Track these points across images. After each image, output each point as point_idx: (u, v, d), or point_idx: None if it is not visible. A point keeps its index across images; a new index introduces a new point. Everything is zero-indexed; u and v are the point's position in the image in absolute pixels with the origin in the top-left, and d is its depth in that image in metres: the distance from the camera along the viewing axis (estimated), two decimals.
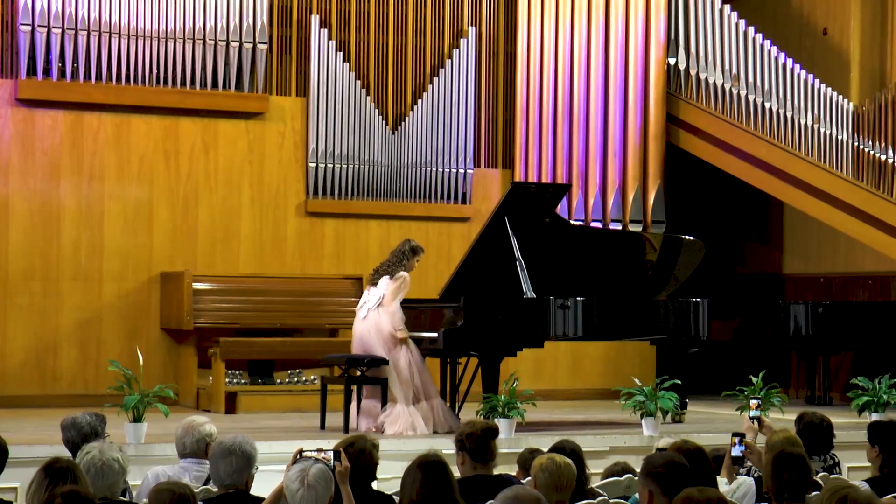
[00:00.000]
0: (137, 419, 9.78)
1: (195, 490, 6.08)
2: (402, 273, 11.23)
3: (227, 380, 13.12)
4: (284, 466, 5.47)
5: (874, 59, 16.02)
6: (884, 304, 15.48)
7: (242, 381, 13.31)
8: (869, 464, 7.18)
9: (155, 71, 14.03)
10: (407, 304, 11.63)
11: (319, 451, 5.49)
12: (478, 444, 6.47)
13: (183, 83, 14.11)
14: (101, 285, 13.85)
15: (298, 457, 5.48)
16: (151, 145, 14.12)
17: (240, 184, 14.45)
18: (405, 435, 10.78)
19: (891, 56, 15.89)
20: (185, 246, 14.15)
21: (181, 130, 14.24)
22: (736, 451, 7.23)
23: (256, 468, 5.93)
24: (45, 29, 13.54)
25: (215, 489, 6.02)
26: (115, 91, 13.85)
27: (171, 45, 14.05)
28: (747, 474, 7.24)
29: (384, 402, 11.07)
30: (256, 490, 5.93)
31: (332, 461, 5.44)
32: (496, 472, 6.61)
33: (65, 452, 6.89)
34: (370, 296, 11.32)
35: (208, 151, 14.33)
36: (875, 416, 11.40)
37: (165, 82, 14.07)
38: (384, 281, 11.25)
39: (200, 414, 8.07)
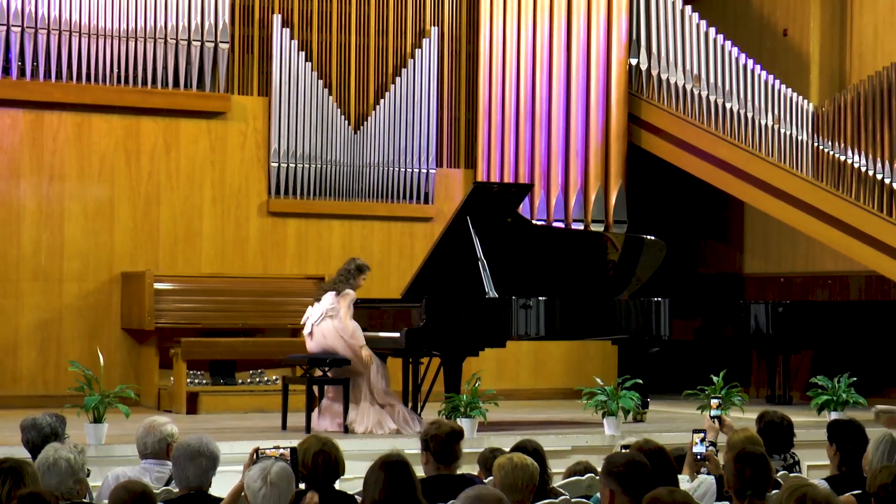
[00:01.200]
0: (98, 420, 9.74)
1: (156, 491, 6.07)
2: (349, 291, 11.25)
3: (188, 380, 13.08)
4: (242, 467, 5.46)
5: (834, 60, 16.11)
6: (843, 303, 15.57)
7: (204, 381, 13.28)
8: (828, 462, 7.22)
9: (116, 70, 13.97)
10: (369, 304, 11.64)
11: (276, 448, 5.48)
12: (442, 446, 6.48)
13: (144, 82, 14.05)
14: (61, 285, 13.78)
15: (255, 456, 5.47)
16: (112, 145, 14.06)
17: (201, 183, 14.40)
18: (374, 433, 10.79)
19: (850, 57, 15.99)
20: (147, 246, 14.09)
21: (142, 130, 14.18)
22: (698, 449, 7.27)
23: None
24: (5, 27, 13.47)
25: (176, 490, 6.01)
26: (75, 90, 13.78)
27: (132, 44, 13.99)
28: (708, 473, 7.27)
29: (346, 403, 11.06)
30: (215, 490, 5.92)
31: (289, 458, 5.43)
32: (459, 472, 6.61)
33: (24, 454, 6.85)
34: (313, 311, 11.33)
35: (170, 151, 14.28)
36: (834, 415, 11.47)
37: (127, 81, 14.01)
38: (329, 296, 11.26)
39: (162, 414, 8.04)
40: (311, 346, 11.33)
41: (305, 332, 11.38)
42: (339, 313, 11.20)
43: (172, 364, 13.12)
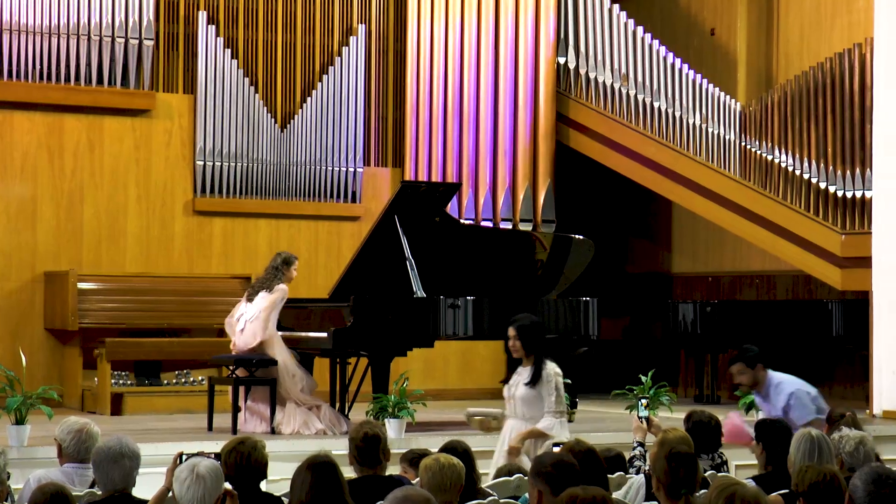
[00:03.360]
0: (20, 422, 9.64)
1: (80, 494, 6.01)
2: (282, 286, 11.22)
3: (112, 381, 13.00)
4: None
5: (761, 60, 16.25)
6: (770, 302, 15.71)
7: (129, 382, 13.20)
8: (755, 462, 7.28)
9: (38, 67, 13.83)
10: (296, 304, 11.60)
11: (200, 454, 5.45)
12: (361, 453, 6.48)
13: (67, 79, 13.93)
14: None
15: (179, 461, 5.44)
16: (35, 142, 13.92)
17: (126, 182, 14.30)
18: (301, 433, 10.76)
19: (777, 57, 16.14)
20: (70, 245, 13.97)
21: (66, 127, 14.06)
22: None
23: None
24: None
25: (100, 492, 5.96)
26: None
27: (55, 40, 13.86)
28: (637, 473, 7.31)
29: (273, 403, 11.02)
30: (139, 492, 5.88)
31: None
32: (388, 472, 6.61)
33: None
34: (248, 307, 11.28)
35: (94, 149, 14.16)
36: (761, 415, 11.55)
37: (49, 78, 13.88)
38: (261, 296, 11.22)
39: (85, 416, 7.97)
40: (239, 342, 11.23)
41: (238, 328, 11.26)
42: (265, 306, 11.11)
43: (96, 364, 13.02)
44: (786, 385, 9.28)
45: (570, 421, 12.08)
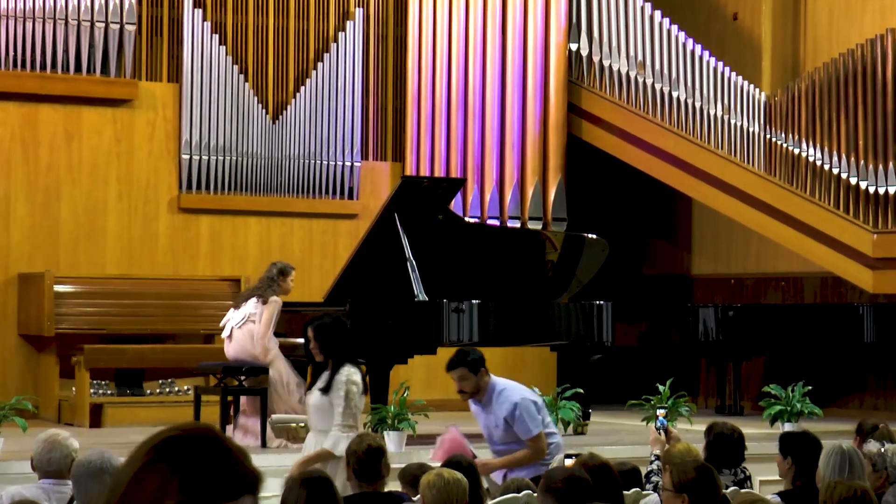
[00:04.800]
0: None
1: None
2: (276, 298, 11.27)
3: (91, 391, 13.01)
4: None
5: (787, 47, 16.25)
6: (797, 306, 15.70)
7: (109, 391, 13.21)
8: (781, 477, 7.28)
9: (12, 53, 13.84)
10: (289, 308, 11.61)
11: None
12: (362, 464, 6.48)
13: (43, 67, 13.94)
14: None
15: None
16: (8, 134, 13.94)
17: (106, 177, 14.30)
18: (290, 447, 10.77)
19: (804, 43, 16.13)
20: (46, 244, 13.98)
21: (41, 118, 14.06)
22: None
23: None
24: None
25: None
26: None
27: (29, 24, 13.87)
28: (654, 488, 7.31)
29: (264, 415, 11.02)
30: None
31: None
32: (387, 488, 6.61)
33: None
34: (235, 314, 11.36)
35: (71, 141, 14.17)
36: (788, 427, 11.57)
37: (24, 66, 13.89)
38: (252, 303, 11.29)
39: (63, 428, 7.98)
40: (230, 350, 11.34)
41: (224, 335, 11.38)
42: (262, 320, 11.20)
43: (74, 373, 13.03)
44: (510, 393, 8.75)
45: (582, 433, 12.13)
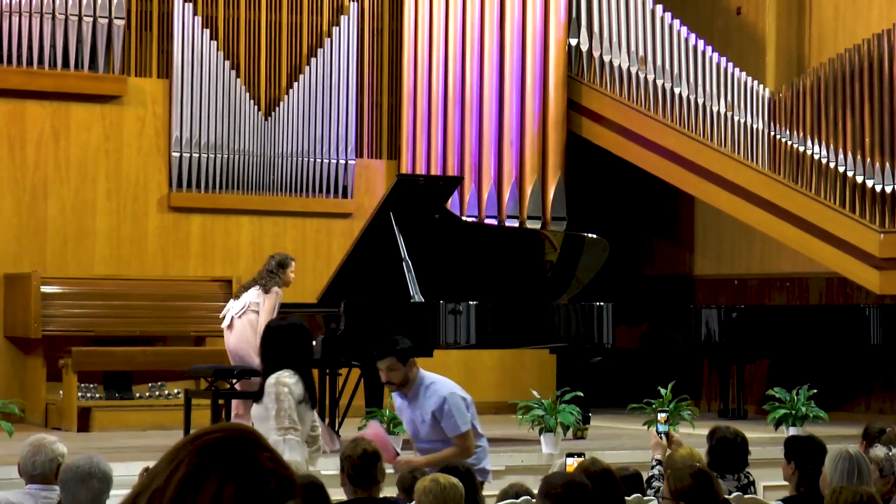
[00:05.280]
0: None
1: None
2: (277, 289, 11.32)
3: (79, 394, 13.01)
4: None
5: (792, 41, 16.25)
6: (802, 307, 15.70)
7: (97, 395, 13.21)
8: (786, 482, 7.28)
9: None
10: (281, 309, 11.61)
11: None
12: (357, 469, 6.48)
13: (30, 62, 13.93)
14: None
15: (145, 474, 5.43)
16: None
17: (94, 175, 14.30)
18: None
19: (809, 38, 16.13)
20: (33, 244, 13.97)
21: (28, 115, 14.06)
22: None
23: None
24: None
25: None
26: None
27: (15, 19, 13.86)
28: (656, 494, 7.31)
29: None
30: None
31: None
32: (383, 494, 6.61)
33: None
34: (234, 304, 11.42)
35: (59, 139, 14.16)
36: (793, 431, 11.56)
37: (10, 61, 13.89)
38: (253, 291, 11.32)
39: (50, 432, 7.98)
40: (231, 341, 11.37)
41: (224, 325, 11.40)
42: (262, 310, 11.22)
43: (62, 376, 13.03)
44: (440, 387, 8.53)
45: (582, 437, 12.13)
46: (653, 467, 8.11)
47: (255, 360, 11.19)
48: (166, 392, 13.47)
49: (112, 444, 11.36)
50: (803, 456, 7.08)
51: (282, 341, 7.80)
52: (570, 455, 6.53)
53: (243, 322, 11.32)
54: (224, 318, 11.52)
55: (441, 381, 8.59)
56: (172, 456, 2.28)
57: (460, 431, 8.34)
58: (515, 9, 15.83)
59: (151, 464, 5.74)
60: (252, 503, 2.25)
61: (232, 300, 11.61)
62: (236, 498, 2.23)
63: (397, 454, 7.88)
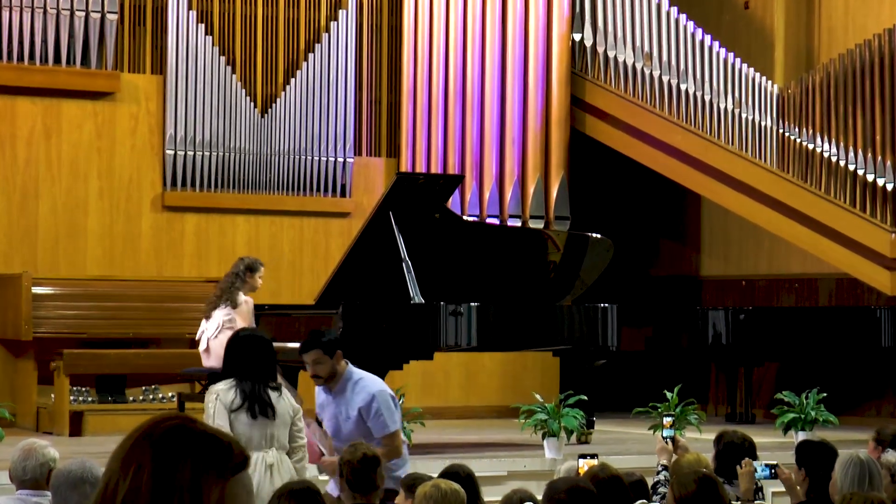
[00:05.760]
0: None
1: None
2: (246, 298, 11.33)
3: (71, 397, 13.00)
4: None
5: (801, 37, 16.24)
6: (811, 309, 15.69)
7: (89, 398, 13.21)
8: (797, 486, 7.26)
9: None
10: (278, 311, 11.60)
11: None
12: (356, 474, 6.47)
13: (20, 58, 13.93)
14: None
15: None
16: None
17: (87, 173, 14.29)
18: None
19: (819, 33, 16.12)
20: (24, 244, 13.97)
21: (18, 112, 14.05)
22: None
23: None
24: None
25: None
26: None
27: (6, 14, 13.85)
28: (661, 500, 7.30)
29: None
30: None
31: None
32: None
33: None
34: (209, 324, 11.42)
35: (50, 136, 14.15)
36: (802, 435, 11.55)
37: (0, 57, 13.87)
38: (223, 310, 11.36)
39: (41, 437, 7.96)
40: (209, 362, 11.38)
41: (201, 348, 11.42)
42: (238, 325, 11.20)
43: (53, 379, 13.02)
44: (368, 383, 8.26)
45: (586, 442, 12.12)
46: (658, 473, 8.09)
47: None
48: (160, 395, 13.47)
49: (105, 448, 11.33)
50: (814, 462, 7.07)
51: (238, 351, 7.75)
52: (582, 457, 6.52)
53: (220, 343, 11.25)
54: (199, 340, 11.51)
55: (370, 378, 8.35)
56: (127, 460, 2.27)
57: (389, 431, 8.09)
58: (518, 3, 15.82)
59: None
60: (225, 476, 2.28)
61: (203, 321, 11.58)
62: (217, 475, 2.27)
63: (321, 455, 7.81)
